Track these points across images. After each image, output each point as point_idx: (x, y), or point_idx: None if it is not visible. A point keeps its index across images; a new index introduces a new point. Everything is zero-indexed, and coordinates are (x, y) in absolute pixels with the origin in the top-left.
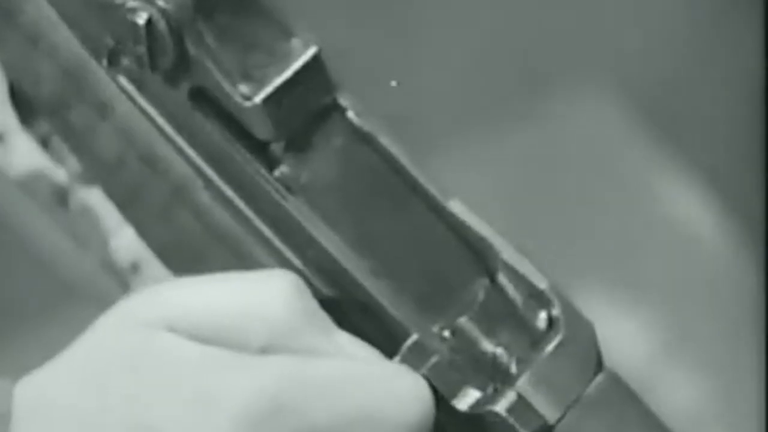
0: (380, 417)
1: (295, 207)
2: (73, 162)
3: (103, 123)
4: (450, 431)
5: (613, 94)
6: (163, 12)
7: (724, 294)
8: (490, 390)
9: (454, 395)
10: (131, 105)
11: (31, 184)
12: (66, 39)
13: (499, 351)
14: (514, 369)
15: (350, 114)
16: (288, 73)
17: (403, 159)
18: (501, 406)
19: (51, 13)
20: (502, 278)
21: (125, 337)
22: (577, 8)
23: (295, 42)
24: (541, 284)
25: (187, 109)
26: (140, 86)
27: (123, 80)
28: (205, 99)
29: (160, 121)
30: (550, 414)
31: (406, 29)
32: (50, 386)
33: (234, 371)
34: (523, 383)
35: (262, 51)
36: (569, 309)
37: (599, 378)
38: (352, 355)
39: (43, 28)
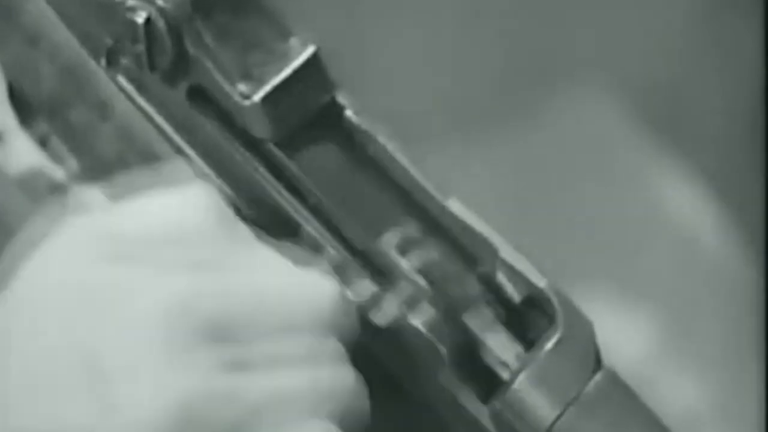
0: (298, 323)
1: (292, 205)
2: (72, 161)
3: (103, 123)
4: (376, 352)
5: (613, 94)
6: (162, 11)
7: (724, 294)
8: (405, 305)
9: (371, 310)
10: (130, 104)
11: (29, 183)
12: (65, 39)
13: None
14: (513, 367)
15: (348, 113)
16: (287, 72)
17: (401, 157)
18: (417, 320)
19: (50, 13)
20: (501, 277)
21: (56, 265)
22: (578, 9)
23: (294, 41)
24: (540, 282)
25: (186, 108)
26: (139, 86)
27: (122, 80)
28: (203, 98)
29: (159, 120)
30: (548, 412)
31: (406, 28)
32: None
33: (152, 286)
34: (521, 381)
35: (261, 50)
36: (568, 307)
37: (598, 376)
38: (271, 265)
39: (43, 28)
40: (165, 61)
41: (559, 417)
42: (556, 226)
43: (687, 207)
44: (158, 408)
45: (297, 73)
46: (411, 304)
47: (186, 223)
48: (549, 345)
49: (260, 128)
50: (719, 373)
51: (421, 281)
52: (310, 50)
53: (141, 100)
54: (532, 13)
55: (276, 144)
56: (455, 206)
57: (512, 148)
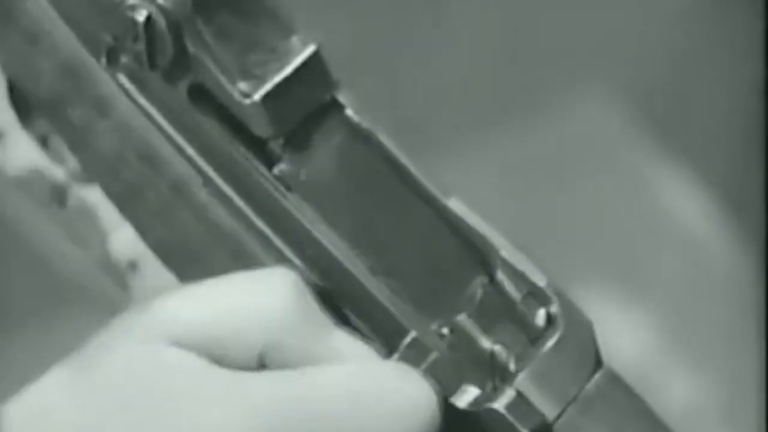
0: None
1: (294, 204)
2: (72, 160)
3: (102, 121)
4: (447, 430)
5: (613, 94)
6: (162, 9)
7: (724, 293)
8: (488, 387)
9: (453, 393)
10: (130, 103)
11: (29, 182)
12: (65, 37)
13: (498, 348)
14: (512, 366)
15: (349, 111)
16: (287, 71)
17: (402, 157)
18: (500, 404)
19: (50, 11)
20: (501, 275)
21: (128, 353)
22: (579, 10)
23: (295, 40)
24: (540, 281)
25: (186, 107)
26: (139, 84)
27: (122, 78)
28: (204, 97)
29: (159, 119)
30: (548, 411)
31: (410, 29)
32: (49, 396)
33: (231, 400)
34: (521, 380)
35: (262, 48)
36: (568, 306)
37: (598, 375)
38: (352, 358)
39: (43, 27)
40: (165, 59)
41: (559, 416)
42: (557, 227)
43: (687, 207)
44: None
45: (298, 71)
46: (492, 385)
47: (267, 311)
48: (549, 344)
49: (260, 127)
50: (719, 373)
51: (508, 361)
52: (310, 49)
53: (141, 99)
54: (533, 14)
55: (276, 142)
56: (456, 205)
57: (514, 148)
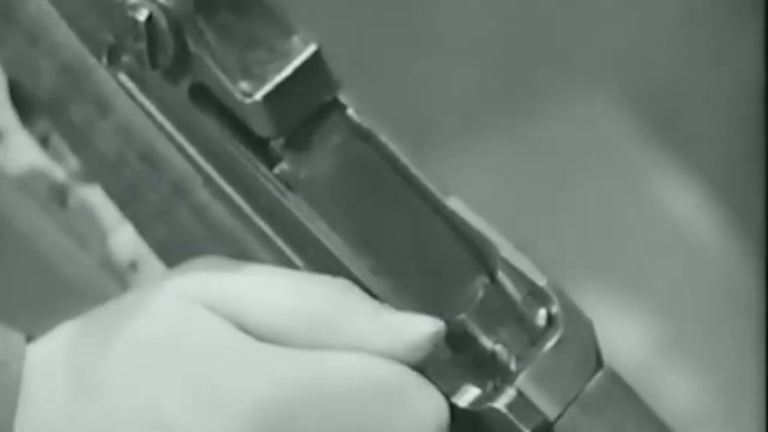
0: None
1: (295, 204)
2: (73, 160)
3: (103, 120)
4: (449, 429)
5: (614, 95)
6: (163, 9)
7: (724, 294)
8: (489, 387)
9: (454, 392)
10: (131, 102)
11: (30, 182)
12: (66, 36)
13: (499, 348)
14: (513, 366)
15: (350, 112)
16: (288, 71)
17: (403, 157)
18: (501, 403)
19: (51, 11)
20: (502, 275)
21: (161, 309)
22: (579, 10)
23: (296, 39)
24: (541, 281)
25: (187, 107)
26: (140, 83)
27: (123, 77)
28: (205, 96)
29: (160, 118)
30: (549, 411)
31: (412, 29)
32: (77, 342)
33: (252, 369)
34: (522, 380)
35: (263, 48)
36: (569, 306)
37: (598, 375)
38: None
39: (43, 26)
40: (166, 58)
41: (560, 415)
42: (557, 226)
43: (687, 207)
44: None
45: (298, 71)
46: (492, 385)
47: (303, 311)
48: (550, 344)
49: (261, 126)
50: (719, 373)
51: (509, 361)
52: (311, 49)
53: (142, 98)
54: (534, 15)
55: (277, 142)
56: (457, 205)
57: (514, 148)
